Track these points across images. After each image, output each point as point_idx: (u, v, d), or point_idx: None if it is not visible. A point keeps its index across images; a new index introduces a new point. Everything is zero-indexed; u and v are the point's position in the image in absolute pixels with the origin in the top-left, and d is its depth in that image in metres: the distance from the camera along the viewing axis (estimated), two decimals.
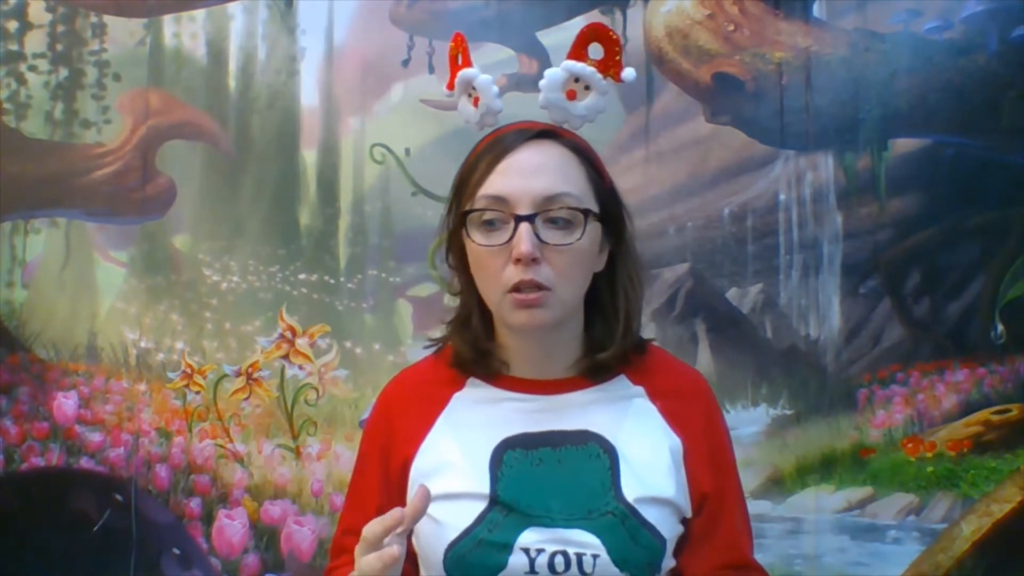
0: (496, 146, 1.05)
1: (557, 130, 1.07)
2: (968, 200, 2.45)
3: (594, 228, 1.04)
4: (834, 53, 2.48)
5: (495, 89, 1.07)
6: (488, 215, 1.02)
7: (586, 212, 1.02)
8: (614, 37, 1.04)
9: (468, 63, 1.09)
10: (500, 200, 1.02)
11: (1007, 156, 2.43)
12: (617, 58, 1.03)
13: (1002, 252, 2.44)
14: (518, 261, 1.00)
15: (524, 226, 1.00)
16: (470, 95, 1.08)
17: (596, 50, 1.04)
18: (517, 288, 1.01)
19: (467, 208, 1.04)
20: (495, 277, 1.03)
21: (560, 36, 2.54)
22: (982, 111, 2.44)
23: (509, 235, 1.01)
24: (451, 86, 1.11)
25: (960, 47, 2.45)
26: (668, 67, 2.53)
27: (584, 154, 1.06)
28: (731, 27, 2.52)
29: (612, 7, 2.56)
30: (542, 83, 1.05)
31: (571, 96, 1.04)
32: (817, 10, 2.52)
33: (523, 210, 1.01)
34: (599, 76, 1.04)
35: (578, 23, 2.55)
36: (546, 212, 1.01)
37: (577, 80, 1.04)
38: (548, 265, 1.01)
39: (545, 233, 1.01)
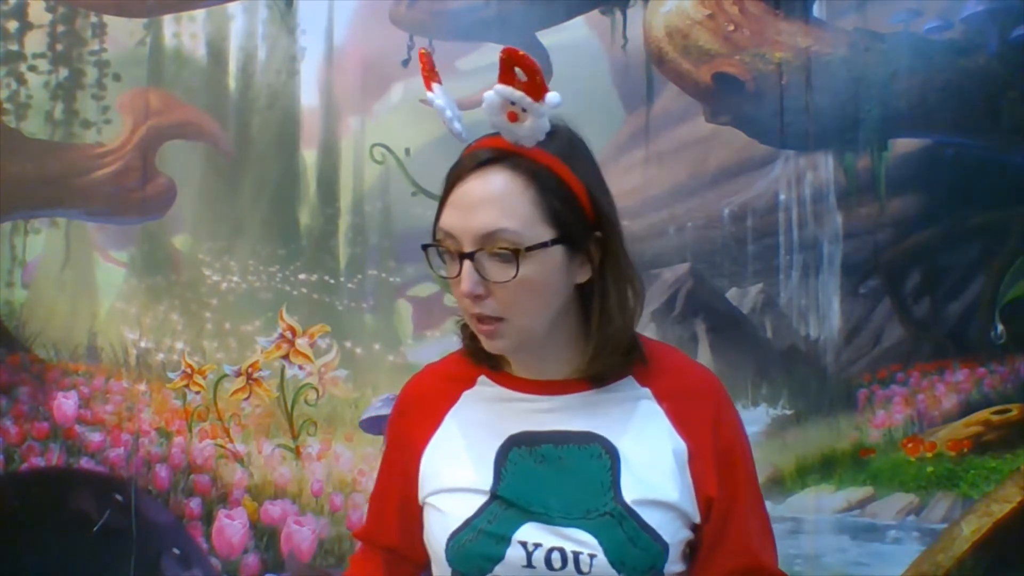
0: (453, 171, 1.07)
1: (517, 151, 1.03)
2: (968, 200, 2.45)
3: (543, 254, 1.02)
4: (834, 53, 2.48)
5: (448, 114, 1.07)
6: (442, 248, 1.05)
7: (517, 251, 1.00)
8: (528, 61, 0.99)
9: (426, 83, 1.09)
10: (450, 235, 1.03)
11: (1007, 156, 2.43)
12: (538, 80, 0.99)
13: (1002, 252, 2.44)
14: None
15: (465, 264, 1.01)
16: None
17: (520, 74, 1.00)
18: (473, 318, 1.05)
19: (429, 241, 1.07)
20: (460, 303, 1.06)
21: (560, 36, 2.54)
22: (982, 111, 2.44)
23: (458, 269, 1.02)
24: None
25: (960, 47, 2.45)
26: (668, 67, 2.53)
27: (540, 175, 1.03)
28: (731, 27, 2.52)
29: (612, 7, 2.55)
30: (483, 106, 1.03)
31: (512, 118, 1.02)
32: (817, 10, 2.52)
33: (465, 247, 1.01)
34: (530, 100, 1.00)
35: (578, 23, 2.55)
36: (486, 248, 1.01)
37: (513, 103, 1.01)
38: (494, 298, 1.02)
39: (487, 268, 1.01)
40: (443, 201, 1.06)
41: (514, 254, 1.00)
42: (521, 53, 0.99)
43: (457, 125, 1.07)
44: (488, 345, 1.06)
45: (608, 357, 1.07)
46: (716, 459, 1.07)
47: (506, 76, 1.00)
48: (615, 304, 1.07)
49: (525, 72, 0.99)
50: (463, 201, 1.03)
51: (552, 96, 1.01)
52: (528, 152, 1.03)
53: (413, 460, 1.13)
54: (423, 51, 1.10)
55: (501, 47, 0.99)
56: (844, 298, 2.48)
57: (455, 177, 1.05)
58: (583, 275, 1.06)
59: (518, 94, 1.00)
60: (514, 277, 1.00)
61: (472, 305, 1.02)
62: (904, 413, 2.45)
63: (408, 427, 1.16)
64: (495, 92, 1.01)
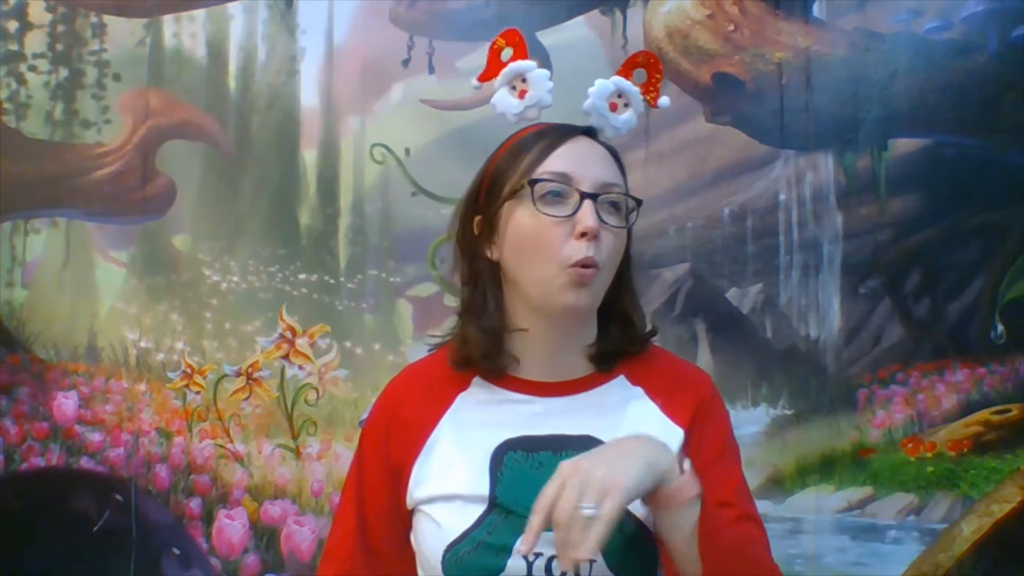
0: (547, 135, 1.09)
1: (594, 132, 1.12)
2: (968, 200, 2.45)
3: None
4: (834, 53, 2.49)
5: (550, 84, 1.12)
6: (552, 187, 1.05)
7: (635, 200, 1.07)
8: (659, 65, 1.14)
9: (524, 55, 1.13)
10: (565, 176, 1.05)
11: (1007, 156, 2.43)
12: (658, 85, 1.13)
13: (1002, 252, 2.45)
14: (582, 235, 1.03)
15: (589, 203, 1.03)
16: (515, 87, 1.12)
17: (640, 75, 1.14)
18: (580, 264, 1.03)
19: (531, 178, 1.05)
20: (554, 250, 1.04)
21: (560, 36, 2.54)
22: (982, 111, 2.44)
23: (573, 209, 1.04)
24: (484, 78, 1.14)
25: (960, 47, 2.45)
26: (668, 67, 2.52)
27: (618, 157, 1.11)
28: (731, 27, 2.52)
29: (612, 7, 2.56)
30: (591, 90, 1.12)
31: (612, 108, 1.12)
32: (817, 10, 2.52)
33: (587, 188, 1.04)
34: (641, 97, 1.13)
35: (578, 23, 2.56)
36: (605, 195, 1.05)
37: (620, 95, 1.12)
38: (601, 243, 1.04)
39: (603, 215, 1.05)
40: (542, 152, 1.07)
41: (637, 203, 1.08)
42: (655, 58, 1.15)
43: (550, 97, 1.13)
44: (576, 295, 1.04)
45: (637, 328, 1.11)
46: (707, 435, 1.09)
47: (627, 72, 1.14)
48: (634, 285, 1.13)
49: (651, 74, 1.14)
50: (579, 153, 1.08)
51: (664, 100, 1.15)
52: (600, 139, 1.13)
53: (405, 467, 1.09)
54: (515, 29, 1.15)
55: None
56: (844, 298, 2.48)
57: (560, 134, 1.09)
58: None
59: (634, 89, 1.13)
60: (630, 224, 1.07)
61: (586, 247, 1.03)
62: (904, 413, 2.45)
63: (397, 431, 1.11)
64: (613, 82, 1.12)
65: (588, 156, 1.07)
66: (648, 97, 1.13)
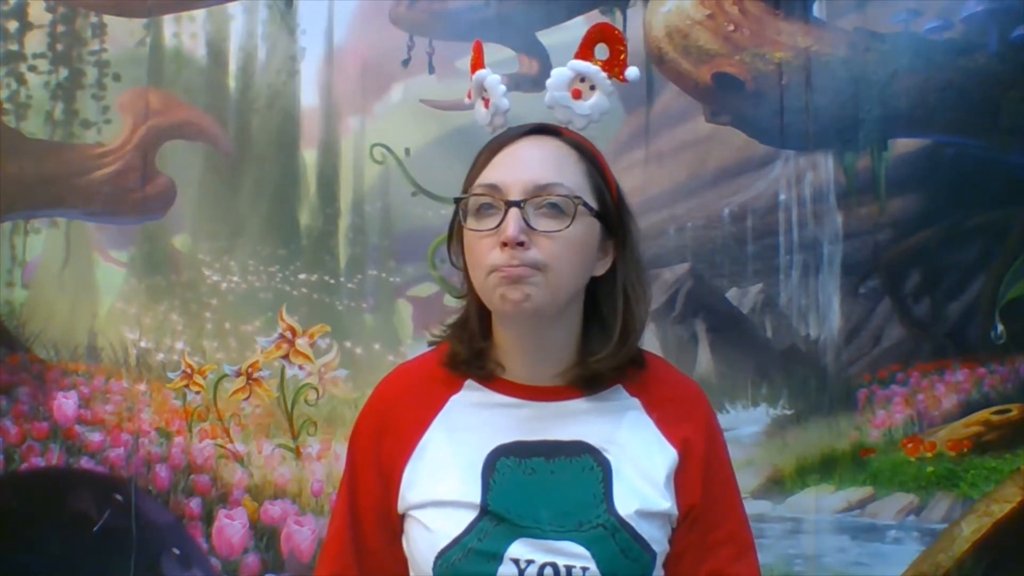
0: (492, 144, 1.07)
1: (560, 129, 1.07)
2: (968, 200, 2.45)
3: (588, 222, 1.04)
4: (834, 53, 2.48)
5: (502, 88, 1.08)
6: (481, 200, 1.03)
7: (576, 200, 1.02)
8: (618, 36, 1.06)
9: (480, 66, 1.10)
10: (493, 187, 1.02)
11: (1007, 156, 2.43)
12: (622, 57, 1.06)
13: (1002, 252, 2.44)
14: (504, 245, 1.00)
15: (512, 211, 1.00)
16: (483, 98, 1.10)
17: (602, 50, 1.06)
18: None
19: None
20: (482, 260, 1.02)
21: (560, 36, 2.54)
22: (982, 111, 2.44)
23: (499, 220, 1.01)
24: (470, 95, 1.13)
25: (960, 47, 2.45)
26: (668, 67, 2.53)
27: (586, 153, 1.07)
28: (731, 27, 2.52)
29: (612, 7, 2.55)
30: (548, 82, 1.07)
31: (576, 95, 1.06)
32: (817, 10, 2.52)
33: (513, 196, 1.01)
34: (604, 75, 1.06)
35: (578, 23, 2.55)
36: (536, 199, 1.01)
37: (583, 80, 1.06)
38: (537, 249, 1.01)
39: (535, 220, 1.01)
40: (483, 164, 1.06)
41: (573, 202, 1.01)
42: (613, 28, 1.07)
43: (505, 100, 1.08)
44: (516, 295, 1.00)
45: (623, 355, 1.06)
46: (704, 470, 1.08)
47: (584, 52, 1.06)
48: (632, 295, 1.08)
49: (611, 46, 1.06)
50: (515, 158, 1.04)
51: (632, 70, 1.07)
52: (574, 135, 1.08)
53: (395, 469, 1.08)
54: (477, 41, 1.13)
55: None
56: (844, 298, 2.48)
57: (501, 142, 1.06)
58: (601, 268, 1.07)
59: (593, 69, 1.06)
60: (568, 226, 1.01)
61: (510, 256, 1.00)
62: (904, 413, 2.45)
63: (388, 432, 1.10)
64: (569, 67, 1.06)
65: (525, 159, 1.04)
66: (614, 73, 1.06)
